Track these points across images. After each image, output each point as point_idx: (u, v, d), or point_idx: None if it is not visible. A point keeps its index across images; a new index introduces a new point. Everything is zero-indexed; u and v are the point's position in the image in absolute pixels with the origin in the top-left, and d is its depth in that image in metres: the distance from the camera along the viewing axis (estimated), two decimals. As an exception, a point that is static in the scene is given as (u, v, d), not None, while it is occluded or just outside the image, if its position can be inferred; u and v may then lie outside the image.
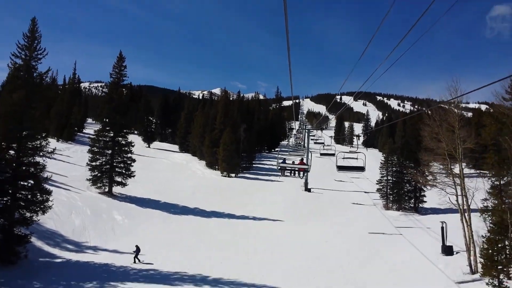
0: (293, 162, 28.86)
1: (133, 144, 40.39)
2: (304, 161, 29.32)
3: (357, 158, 24.60)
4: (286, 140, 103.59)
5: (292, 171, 27.44)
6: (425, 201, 42.64)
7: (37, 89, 24.14)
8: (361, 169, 26.85)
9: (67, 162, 48.73)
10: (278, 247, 27.08)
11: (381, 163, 45.43)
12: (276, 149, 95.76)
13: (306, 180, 51.22)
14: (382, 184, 44.21)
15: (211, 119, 68.98)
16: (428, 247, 26.46)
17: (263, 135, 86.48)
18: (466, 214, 24.05)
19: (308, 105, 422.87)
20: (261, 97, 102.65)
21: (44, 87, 27.22)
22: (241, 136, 64.57)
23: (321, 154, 45.23)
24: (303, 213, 38.74)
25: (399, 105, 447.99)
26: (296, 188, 50.84)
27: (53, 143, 64.19)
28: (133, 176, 39.59)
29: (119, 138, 39.14)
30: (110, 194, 37.88)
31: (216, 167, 61.64)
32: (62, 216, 29.17)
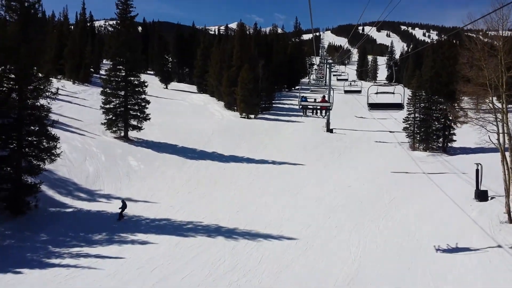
0: (315, 100, 26.85)
1: (146, 84, 38.62)
2: (326, 98, 26.87)
3: (393, 93, 22.44)
4: (307, 77, 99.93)
5: (314, 110, 25.26)
6: (455, 140, 40.35)
7: (31, 19, 21.74)
8: (399, 106, 21.45)
9: (83, 106, 47.70)
10: (298, 193, 25.83)
11: (408, 99, 42.66)
12: (297, 87, 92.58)
13: (328, 120, 49.13)
14: (409, 122, 41.76)
15: (228, 55, 66.07)
16: (458, 192, 24.77)
17: (282, 72, 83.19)
18: (508, 154, 21.69)
19: (329, 38, 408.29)
20: (279, 31, 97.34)
21: (38, 18, 24.84)
22: (259, 74, 61.87)
23: (346, 92, 41.68)
24: (325, 155, 37.18)
25: (424, 35, 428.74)
26: (317, 129, 48.94)
27: (68, 85, 63.74)
28: (149, 119, 38.29)
29: (132, 78, 37.35)
30: (126, 138, 36.89)
31: (235, 108, 59.84)
32: (76, 163, 28.42)
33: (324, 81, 43.40)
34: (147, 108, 38.28)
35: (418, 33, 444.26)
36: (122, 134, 37.24)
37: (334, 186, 27.06)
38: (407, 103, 42.56)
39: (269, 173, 30.81)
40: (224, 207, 23.03)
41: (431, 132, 40.90)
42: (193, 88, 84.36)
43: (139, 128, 37.51)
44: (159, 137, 39.58)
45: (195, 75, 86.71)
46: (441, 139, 41.12)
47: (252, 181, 28.32)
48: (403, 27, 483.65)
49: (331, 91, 24.56)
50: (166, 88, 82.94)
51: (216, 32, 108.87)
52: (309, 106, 25.58)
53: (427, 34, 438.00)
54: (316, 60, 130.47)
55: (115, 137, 36.60)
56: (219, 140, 40.77)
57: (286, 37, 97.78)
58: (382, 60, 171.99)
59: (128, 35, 37.36)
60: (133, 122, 37.64)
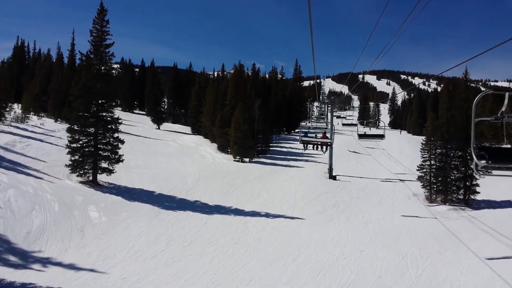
0: (316, 136, 28.30)
1: (120, 121, 33.57)
2: (327, 135, 28.41)
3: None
4: (307, 121, 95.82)
5: (315, 145, 26.70)
6: (478, 192, 34.69)
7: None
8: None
9: (54, 145, 42.36)
10: (295, 260, 19.88)
11: (422, 144, 37.38)
12: (296, 130, 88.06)
13: (331, 165, 43.77)
14: (425, 170, 36.26)
15: (223, 94, 61.75)
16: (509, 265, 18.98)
17: (281, 114, 78.73)
18: None
19: (329, 85, 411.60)
20: (279, 75, 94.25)
21: None
22: (255, 114, 57.17)
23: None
24: (329, 207, 31.39)
25: (424, 84, 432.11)
26: (319, 175, 43.49)
27: (50, 123, 58.95)
28: (121, 160, 32.99)
29: (103, 113, 32.34)
30: (94, 183, 31.34)
31: (229, 150, 54.72)
32: (19, 213, 22.66)
33: (325, 120, 40.05)
34: (119, 148, 33.00)
35: (417, 81, 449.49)
36: (91, 178, 31.75)
37: (341, 250, 21.13)
38: (420, 149, 37.48)
39: (260, 229, 24.92)
40: (194, 281, 17.06)
41: (449, 182, 35.37)
42: (188, 129, 79.73)
43: (110, 171, 32.08)
44: (135, 182, 34.06)
45: (189, 115, 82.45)
46: (461, 191, 35.50)
47: (237, 241, 22.41)
48: (403, 76, 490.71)
49: (332, 127, 31.32)
50: (158, 128, 78.27)
51: (213, 75, 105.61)
52: (310, 142, 26.50)
53: (426, 83, 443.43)
54: (316, 105, 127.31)
55: (81, 182, 31.05)
56: (206, 187, 35.15)
57: (287, 83, 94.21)
58: (383, 107, 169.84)
59: (102, 65, 32.72)
60: (104, 164, 32.28)
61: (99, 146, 32.19)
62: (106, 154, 32.32)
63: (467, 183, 35.30)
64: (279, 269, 18.07)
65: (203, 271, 17.73)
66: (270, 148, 60.75)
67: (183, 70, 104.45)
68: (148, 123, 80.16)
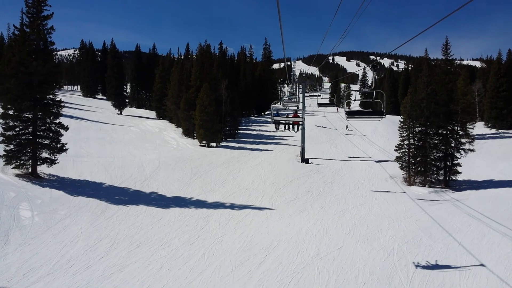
0: (287, 115, 27.43)
1: (62, 104, 29.23)
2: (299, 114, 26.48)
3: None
4: (278, 102, 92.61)
5: (286, 125, 25.63)
6: (460, 172, 32.48)
7: None
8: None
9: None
10: (263, 263, 16.69)
11: (400, 122, 34.74)
12: (267, 112, 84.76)
13: (303, 148, 40.83)
14: (403, 151, 33.72)
15: (188, 75, 57.51)
16: (503, 256, 16.44)
17: (250, 96, 75.05)
18: None
19: (300, 67, 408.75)
20: (248, 56, 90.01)
21: None
22: (223, 96, 53.40)
23: (319, 105, 39.72)
24: (301, 194, 28.39)
25: (392, 64, 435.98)
26: (290, 158, 40.49)
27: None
28: (65, 150, 28.85)
29: (43, 96, 27.93)
30: (33, 176, 27.15)
31: (194, 135, 50.97)
32: None
33: (297, 100, 36.91)
34: (62, 135, 28.82)
35: (386, 62, 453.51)
36: (30, 170, 27.54)
37: (317, 247, 18.07)
38: (398, 127, 34.88)
39: (223, 224, 21.60)
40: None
41: (429, 163, 33.01)
42: (153, 113, 75.16)
43: (52, 162, 27.93)
44: (83, 173, 30.04)
45: (153, 99, 77.78)
46: (442, 171, 33.24)
47: (195, 241, 19.01)
48: (372, 57, 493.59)
49: (304, 107, 27.46)
50: (120, 113, 73.46)
51: (179, 57, 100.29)
52: (281, 121, 25.21)
53: (395, 63, 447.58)
54: (287, 89, 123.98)
55: (17, 175, 26.79)
56: (165, 176, 31.49)
57: (256, 63, 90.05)
58: (353, 88, 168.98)
59: (39, 39, 28.14)
60: (45, 154, 28.09)
61: (38, 133, 27.87)
62: (47, 142, 28.06)
63: (448, 163, 33.06)
64: (242, 277, 14.81)
65: (147, 285, 14.28)
66: (239, 132, 57.27)
67: (147, 54, 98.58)
68: (110, 108, 75.10)
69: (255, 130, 60.35)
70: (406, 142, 33.52)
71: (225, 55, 76.77)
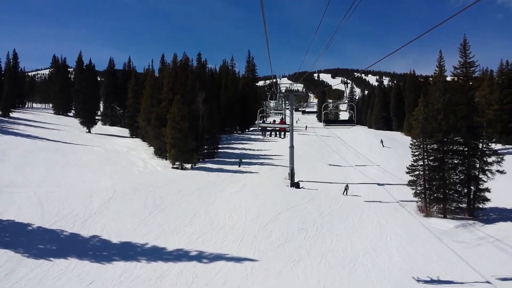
0: (274, 121, 29.08)
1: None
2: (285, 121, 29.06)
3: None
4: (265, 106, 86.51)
5: (273, 131, 26.74)
6: (488, 199, 26.14)
7: None
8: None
9: None
10: None
11: (411, 142, 28.37)
12: (251, 128, 78.39)
13: (292, 169, 34.31)
14: (417, 173, 27.31)
15: (160, 88, 50.82)
16: None
17: (233, 112, 68.62)
18: None
19: (285, 85, 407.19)
20: (230, 69, 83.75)
21: None
22: (199, 110, 46.78)
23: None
24: (292, 234, 21.61)
25: (377, 81, 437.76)
26: (277, 182, 33.92)
27: None
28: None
29: None
30: None
31: (167, 155, 44.09)
32: None
33: (283, 113, 31.87)
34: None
35: (371, 79, 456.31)
36: None
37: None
38: (410, 144, 28.60)
39: (182, 291, 14.73)
40: None
41: (448, 187, 26.69)
42: (126, 131, 68.08)
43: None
44: (7, 210, 22.88)
45: (126, 115, 70.77)
46: (464, 198, 26.92)
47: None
48: (356, 74, 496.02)
49: (292, 113, 30.51)
50: (89, 132, 66.19)
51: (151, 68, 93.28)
52: (268, 128, 26.44)
53: (379, 80, 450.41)
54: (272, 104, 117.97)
55: None
56: (117, 210, 24.47)
57: (239, 79, 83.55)
58: (341, 105, 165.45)
59: None
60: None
61: None
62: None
63: (472, 187, 26.78)
64: None
65: None
66: (219, 151, 50.53)
67: (122, 71, 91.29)
68: (78, 126, 67.75)
69: (237, 148, 53.67)
70: (420, 163, 27.16)
71: (204, 68, 70.32)
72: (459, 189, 26.92)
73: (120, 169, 37.64)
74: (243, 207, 26.29)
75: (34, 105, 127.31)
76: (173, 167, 41.07)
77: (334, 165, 42.75)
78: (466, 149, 27.04)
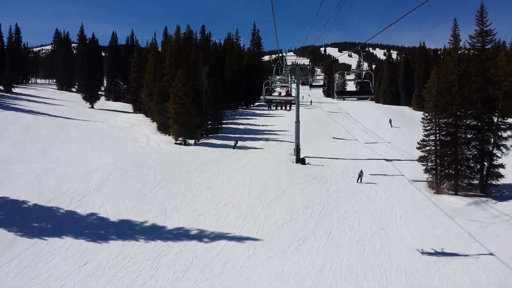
0: (280, 93, 28.34)
1: None
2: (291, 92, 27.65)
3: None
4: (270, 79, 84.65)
5: (279, 104, 25.75)
6: (503, 175, 25.03)
7: None
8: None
9: None
10: None
11: (423, 116, 27.08)
12: (256, 103, 77.02)
13: (298, 145, 33.29)
14: (428, 148, 26.17)
15: (163, 62, 49.43)
16: None
17: (238, 87, 67.11)
18: None
19: (291, 59, 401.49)
20: (234, 42, 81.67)
21: None
22: (203, 85, 45.54)
23: (312, 86, 37.15)
24: (297, 212, 20.77)
25: (385, 54, 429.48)
26: (282, 157, 32.97)
27: None
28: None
29: None
30: None
31: (170, 131, 43.12)
32: None
33: (289, 85, 30.71)
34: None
35: (379, 53, 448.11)
36: None
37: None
38: (421, 119, 27.32)
39: (180, 273, 13.97)
40: None
41: (461, 163, 25.59)
42: (130, 107, 67.01)
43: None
44: (2, 186, 22.21)
45: (129, 90, 69.60)
46: (477, 174, 25.84)
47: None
48: (364, 44, 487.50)
49: (298, 85, 28.50)
50: (92, 107, 65.14)
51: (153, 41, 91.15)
52: (273, 101, 25.53)
53: (387, 53, 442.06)
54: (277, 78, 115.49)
55: None
56: (117, 187, 23.73)
57: (244, 52, 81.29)
58: (349, 77, 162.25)
59: None
60: None
61: None
62: None
63: (485, 163, 25.66)
64: None
65: None
66: (223, 126, 49.49)
67: (125, 46, 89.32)
68: (78, 100, 66.75)
69: (242, 124, 52.60)
70: (432, 138, 25.99)
71: (208, 41, 68.43)
72: (472, 165, 25.85)
73: (122, 145, 36.83)
74: (247, 184, 25.45)
75: (38, 80, 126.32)
76: (176, 143, 40.19)
77: (340, 138, 41.65)
78: (480, 123, 25.78)
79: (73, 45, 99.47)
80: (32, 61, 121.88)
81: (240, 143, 39.32)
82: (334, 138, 41.90)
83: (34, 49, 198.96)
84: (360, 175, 26.79)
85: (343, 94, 23.53)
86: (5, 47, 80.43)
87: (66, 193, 22.06)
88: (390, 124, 50.12)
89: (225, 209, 20.93)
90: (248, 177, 26.98)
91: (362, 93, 22.63)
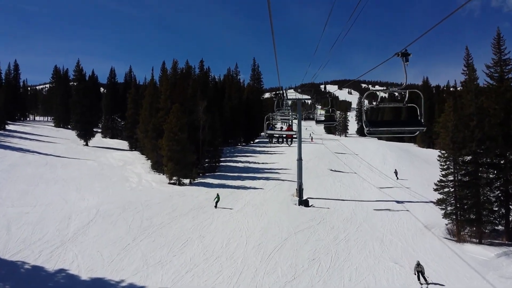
0: (281, 128, 28.40)
1: None
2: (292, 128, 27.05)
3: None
4: (273, 114, 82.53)
5: (280, 138, 26.04)
6: (532, 221, 22.24)
7: None
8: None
9: None
10: None
11: (440, 154, 24.55)
12: (256, 140, 74.83)
13: (301, 185, 30.68)
14: (447, 190, 23.48)
15: (159, 97, 47.53)
16: None
17: (237, 123, 65.11)
18: None
19: (292, 95, 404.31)
20: (234, 77, 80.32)
21: None
22: (200, 120, 43.41)
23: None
24: (302, 267, 17.86)
25: (385, 92, 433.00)
26: (284, 199, 30.21)
27: None
28: None
29: None
30: None
31: (164, 169, 40.55)
32: None
33: (290, 117, 29.01)
34: None
35: (378, 89, 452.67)
36: None
37: None
38: (438, 157, 24.90)
39: None
40: None
41: (483, 206, 22.84)
42: (126, 144, 64.74)
43: None
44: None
45: (126, 127, 67.60)
46: (502, 219, 23.04)
47: None
48: (363, 85, 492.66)
49: (300, 120, 30.18)
50: (86, 145, 62.82)
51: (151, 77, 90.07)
52: (275, 135, 25.98)
53: (386, 91, 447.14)
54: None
55: None
56: (96, 235, 20.91)
57: (243, 88, 79.86)
58: (350, 115, 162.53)
59: None
60: None
61: None
62: None
63: (510, 206, 22.91)
64: None
65: None
66: (221, 164, 46.94)
67: (123, 84, 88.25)
68: (73, 138, 64.58)
69: (241, 161, 50.06)
70: (450, 178, 23.37)
71: (207, 75, 67.02)
72: (496, 209, 23.10)
73: (111, 185, 34.14)
74: (244, 231, 22.62)
75: (37, 118, 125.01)
76: (169, 183, 37.55)
77: (343, 174, 38.94)
78: (503, 161, 23.26)
79: (72, 83, 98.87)
80: (32, 98, 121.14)
81: (239, 183, 36.64)
82: (341, 180, 39.15)
83: (37, 87, 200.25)
84: (419, 270, 17.02)
85: (379, 125, 11.30)
86: (3, 83, 79.45)
87: (36, 243, 19.24)
88: (396, 176, 41.05)
89: (217, 264, 18.05)
90: (245, 222, 24.17)
91: (407, 124, 11.87)
